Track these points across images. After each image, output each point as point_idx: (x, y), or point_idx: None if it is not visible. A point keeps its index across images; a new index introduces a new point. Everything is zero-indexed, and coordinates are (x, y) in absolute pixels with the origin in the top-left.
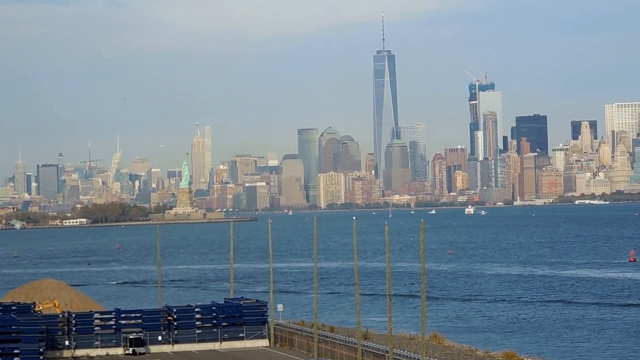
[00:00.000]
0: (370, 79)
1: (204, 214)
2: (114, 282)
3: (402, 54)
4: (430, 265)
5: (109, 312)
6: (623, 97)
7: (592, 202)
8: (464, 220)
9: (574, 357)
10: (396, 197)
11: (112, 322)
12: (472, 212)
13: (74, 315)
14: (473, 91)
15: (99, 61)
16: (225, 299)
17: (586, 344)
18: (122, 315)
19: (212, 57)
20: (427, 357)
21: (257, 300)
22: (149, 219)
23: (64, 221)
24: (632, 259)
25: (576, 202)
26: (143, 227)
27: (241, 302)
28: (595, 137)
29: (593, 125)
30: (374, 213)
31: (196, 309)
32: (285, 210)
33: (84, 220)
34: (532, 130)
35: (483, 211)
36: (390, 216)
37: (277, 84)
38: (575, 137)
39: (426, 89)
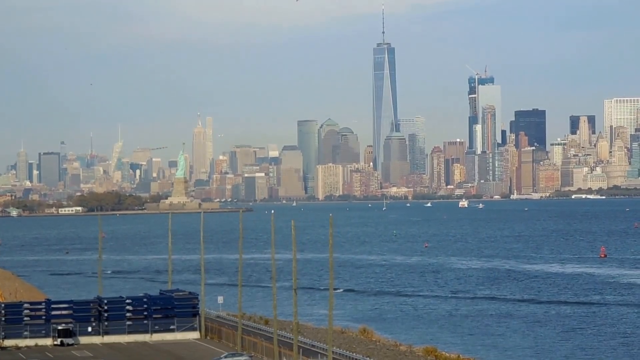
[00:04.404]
0: (370, 72)
1: (200, 204)
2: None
3: (402, 47)
4: (400, 259)
5: (39, 303)
6: (622, 93)
7: (588, 196)
8: (456, 213)
9: (495, 353)
10: (394, 189)
11: (42, 313)
12: (466, 206)
13: (2, 305)
14: (472, 85)
15: (101, 51)
16: (160, 290)
17: (514, 341)
18: (52, 305)
19: (214, 48)
20: (334, 348)
21: (189, 292)
22: (145, 209)
23: (59, 209)
24: (602, 255)
25: (573, 197)
26: (137, 217)
27: (174, 294)
28: (594, 132)
29: (591, 120)
30: (369, 205)
31: (127, 301)
32: (284, 202)
33: (79, 208)
34: (530, 125)
35: (480, 204)
36: (384, 209)
37: (277, 75)
38: (573, 132)
39: (426, 82)
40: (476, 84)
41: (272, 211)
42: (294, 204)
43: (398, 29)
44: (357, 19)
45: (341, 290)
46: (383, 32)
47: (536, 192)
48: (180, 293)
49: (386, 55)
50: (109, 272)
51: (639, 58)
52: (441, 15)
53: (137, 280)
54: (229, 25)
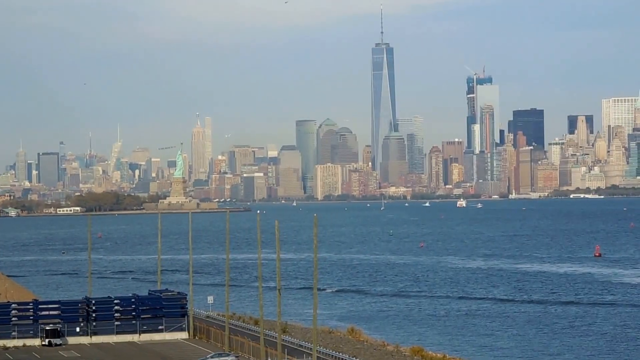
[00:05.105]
0: (368, 72)
1: (198, 204)
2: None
3: (400, 47)
4: (395, 258)
5: (27, 303)
6: (619, 92)
7: (586, 196)
8: (454, 213)
9: (482, 353)
10: (392, 189)
11: (30, 313)
12: (464, 205)
13: None
14: (471, 85)
15: (100, 51)
16: (149, 290)
17: (503, 341)
18: (40, 306)
19: (212, 48)
20: (322, 348)
21: (178, 292)
22: (143, 209)
23: (58, 209)
24: (597, 254)
25: (571, 196)
26: (136, 217)
27: (162, 295)
28: (592, 132)
29: (589, 119)
30: (368, 205)
31: (115, 301)
32: (283, 201)
33: (77, 208)
34: (528, 124)
35: (479, 204)
36: (382, 208)
37: (276, 75)
38: (571, 132)
39: (424, 82)
40: (474, 84)
41: (258, 211)
42: (294, 203)
43: (397, 29)
44: (355, 19)
45: (333, 290)
46: (382, 32)
47: (534, 192)
48: (169, 293)
49: (385, 56)
50: (108, 272)
51: (637, 58)
52: (439, 16)
53: (131, 280)
54: (228, 25)
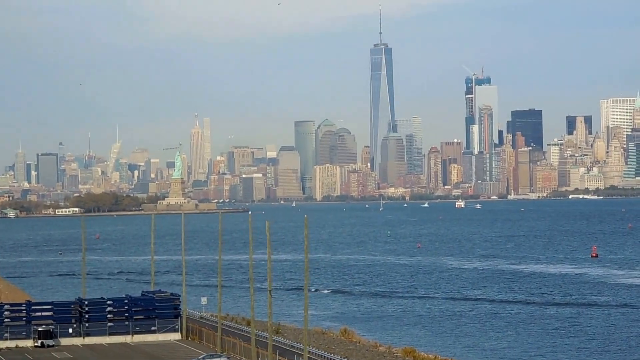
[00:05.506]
0: (367, 72)
1: (196, 205)
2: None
3: (399, 48)
4: (392, 259)
5: (20, 304)
6: (618, 93)
7: (585, 196)
8: (452, 214)
9: (474, 353)
10: (391, 189)
11: (23, 314)
12: (463, 206)
13: None
14: (469, 85)
15: (98, 51)
16: (142, 291)
17: (495, 341)
18: (33, 307)
19: (211, 48)
20: (314, 349)
21: (171, 293)
22: (142, 209)
23: (56, 210)
24: (594, 255)
25: (570, 197)
26: (134, 217)
27: (155, 295)
28: (590, 132)
29: (588, 120)
30: (367, 205)
31: (108, 302)
32: (282, 202)
33: (76, 209)
34: (527, 125)
35: (478, 205)
36: (381, 209)
37: (274, 75)
38: (570, 132)
39: (423, 83)
40: (473, 85)
41: (250, 212)
42: (294, 204)
43: (395, 29)
44: (354, 20)
45: (328, 290)
46: (380, 33)
47: (533, 193)
48: (162, 294)
49: (383, 56)
50: (105, 273)
51: (635, 58)
52: (438, 16)
53: (126, 281)
54: (227, 25)
